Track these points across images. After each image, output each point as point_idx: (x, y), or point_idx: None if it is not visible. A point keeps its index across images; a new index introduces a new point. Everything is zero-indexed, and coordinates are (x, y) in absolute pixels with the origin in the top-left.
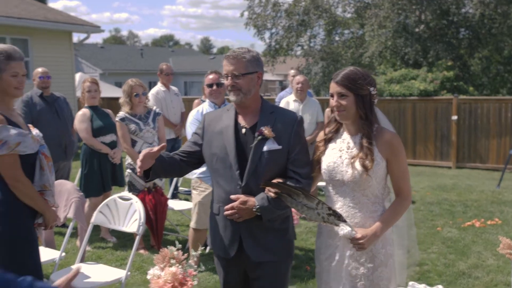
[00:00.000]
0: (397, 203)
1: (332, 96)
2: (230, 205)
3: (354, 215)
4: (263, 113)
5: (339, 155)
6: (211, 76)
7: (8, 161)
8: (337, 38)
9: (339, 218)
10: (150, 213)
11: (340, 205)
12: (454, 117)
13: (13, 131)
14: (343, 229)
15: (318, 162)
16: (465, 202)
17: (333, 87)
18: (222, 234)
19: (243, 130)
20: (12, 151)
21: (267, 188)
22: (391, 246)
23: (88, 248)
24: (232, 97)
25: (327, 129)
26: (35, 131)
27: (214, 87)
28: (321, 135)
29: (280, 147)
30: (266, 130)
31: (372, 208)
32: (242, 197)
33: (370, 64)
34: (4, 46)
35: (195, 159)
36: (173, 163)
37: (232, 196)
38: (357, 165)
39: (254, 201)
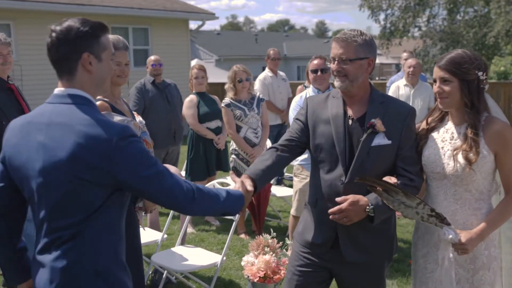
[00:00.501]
0: (506, 202)
1: (435, 81)
2: (337, 207)
3: (455, 211)
4: (372, 103)
5: (441, 146)
6: (315, 62)
7: None
8: (458, 18)
9: (442, 221)
10: (252, 198)
11: (440, 200)
12: None
13: (117, 117)
14: (447, 234)
15: (419, 153)
16: None
17: (436, 72)
18: (316, 229)
19: (350, 121)
20: None
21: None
22: (496, 248)
23: (192, 230)
24: (337, 82)
25: (430, 118)
26: (138, 118)
27: (319, 73)
28: (423, 124)
29: (390, 142)
30: (378, 123)
31: (475, 205)
32: (351, 197)
33: (496, 44)
34: (110, 36)
35: (298, 148)
36: (270, 168)
37: (338, 199)
38: (460, 157)
39: (366, 200)
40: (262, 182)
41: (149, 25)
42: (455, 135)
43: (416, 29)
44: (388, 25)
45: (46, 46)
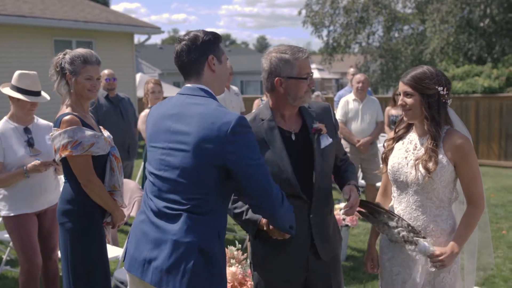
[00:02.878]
0: (469, 214)
1: (399, 94)
2: (350, 204)
3: (417, 217)
4: (304, 112)
5: (405, 156)
6: None
7: (81, 161)
8: (396, 35)
9: (418, 234)
10: None
11: (403, 206)
12: None
13: (88, 132)
14: (422, 246)
15: (386, 160)
16: None
17: (401, 86)
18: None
19: (293, 137)
20: (86, 152)
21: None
22: (456, 264)
23: None
24: (308, 99)
25: (398, 128)
26: (106, 133)
27: None
28: (391, 134)
29: (331, 140)
30: (321, 126)
31: (436, 212)
32: (354, 192)
33: (431, 61)
34: (82, 51)
35: None
36: None
37: (351, 202)
38: (421, 167)
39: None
40: None
41: (93, 38)
42: (418, 146)
43: (357, 45)
44: (331, 41)
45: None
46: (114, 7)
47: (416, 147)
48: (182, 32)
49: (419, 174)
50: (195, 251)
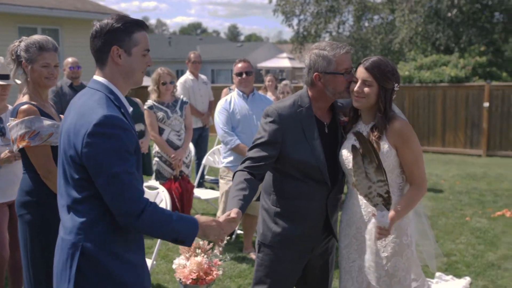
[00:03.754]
0: (411, 190)
1: (355, 81)
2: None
3: (366, 204)
4: (335, 105)
5: (352, 144)
6: (240, 65)
7: (40, 152)
8: (366, 24)
9: (387, 205)
10: (176, 201)
11: (355, 193)
12: (486, 104)
13: (46, 122)
14: (381, 215)
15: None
16: (495, 192)
17: (361, 72)
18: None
19: (326, 129)
20: (44, 142)
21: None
22: (408, 237)
23: None
24: (347, 94)
25: (348, 118)
26: None
27: (244, 75)
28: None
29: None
30: (346, 119)
31: None
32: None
33: (400, 50)
34: (38, 37)
35: (270, 166)
36: (252, 193)
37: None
38: None
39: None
40: (244, 209)
41: (59, 25)
42: (364, 134)
43: (328, 34)
44: (301, 30)
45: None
46: None
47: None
48: (152, 21)
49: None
50: (77, 252)
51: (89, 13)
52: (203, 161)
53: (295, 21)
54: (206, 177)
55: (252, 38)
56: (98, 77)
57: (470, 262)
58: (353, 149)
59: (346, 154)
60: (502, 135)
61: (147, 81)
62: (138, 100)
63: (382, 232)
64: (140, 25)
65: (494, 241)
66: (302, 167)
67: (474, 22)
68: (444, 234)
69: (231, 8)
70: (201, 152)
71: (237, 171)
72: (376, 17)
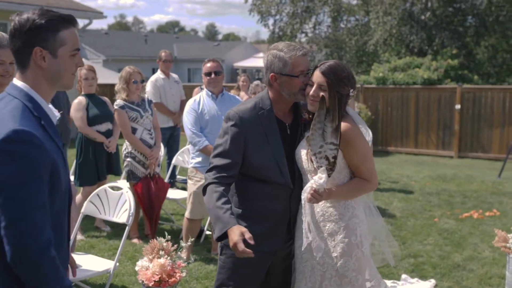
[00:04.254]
0: (357, 180)
1: (311, 84)
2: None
3: (323, 205)
4: (297, 105)
5: (304, 144)
6: (209, 64)
7: None
8: (342, 26)
9: (331, 169)
10: (148, 201)
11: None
12: (458, 106)
13: None
14: (320, 179)
15: None
16: (464, 193)
17: (317, 76)
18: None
19: (288, 130)
20: None
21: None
22: (358, 237)
23: (81, 237)
24: (301, 96)
25: (309, 121)
26: None
27: (213, 75)
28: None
29: None
30: (306, 115)
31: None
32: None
33: (375, 51)
34: None
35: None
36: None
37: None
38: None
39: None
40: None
41: None
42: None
43: (303, 35)
44: (277, 30)
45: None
46: None
47: None
48: (129, 18)
49: (311, 163)
50: None
51: (61, 9)
52: (173, 161)
53: (271, 21)
54: (178, 177)
55: (230, 38)
56: (17, 82)
57: (437, 263)
58: (321, 100)
59: (300, 154)
60: (473, 136)
61: (112, 79)
62: (106, 99)
63: (315, 195)
64: (67, 20)
65: (461, 242)
66: (264, 169)
67: (447, 25)
68: (412, 235)
69: (209, 7)
70: (172, 151)
71: (209, 183)
72: (352, 18)
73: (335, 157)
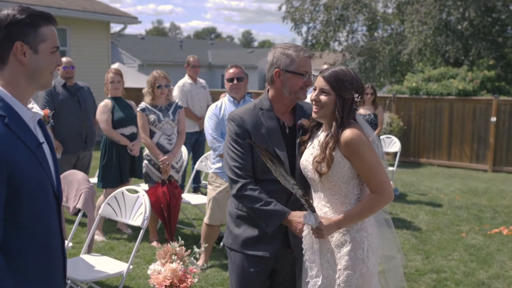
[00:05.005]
0: (371, 198)
1: (315, 89)
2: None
3: (326, 213)
4: (297, 109)
5: (311, 153)
6: (231, 70)
7: None
8: (376, 34)
9: (310, 207)
10: (162, 205)
11: (316, 202)
12: (493, 119)
13: None
14: (308, 218)
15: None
16: (495, 208)
17: (319, 81)
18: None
19: (287, 130)
20: None
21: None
22: (364, 251)
23: (102, 238)
24: (303, 96)
25: (310, 123)
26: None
27: (235, 81)
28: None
29: None
30: (304, 121)
31: (342, 208)
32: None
33: (409, 61)
34: None
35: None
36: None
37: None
38: (316, 166)
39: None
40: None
41: (68, 25)
42: (317, 142)
43: (337, 43)
44: (310, 37)
45: None
46: None
47: (319, 143)
48: (166, 24)
49: (316, 173)
50: None
51: (96, 14)
52: (196, 166)
53: (304, 29)
54: (203, 182)
55: (266, 45)
56: None
57: (460, 280)
58: (260, 152)
59: (304, 163)
60: (509, 150)
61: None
62: (132, 103)
63: (316, 231)
64: (47, 18)
65: (487, 259)
66: (266, 168)
67: (485, 35)
68: (437, 250)
69: (246, 14)
70: (197, 156)
71: (246, 186)
72: (387, 27)
73: (303, 195)
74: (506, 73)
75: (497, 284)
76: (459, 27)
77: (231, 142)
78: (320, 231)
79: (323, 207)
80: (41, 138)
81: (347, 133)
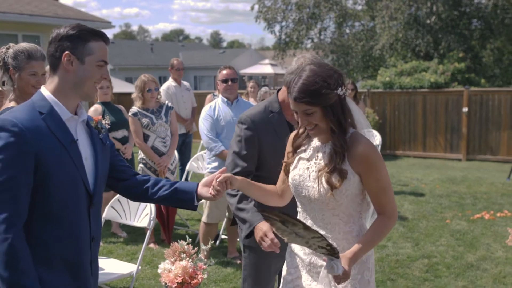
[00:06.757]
0: (381, 221)
1: (296, 112)
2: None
3: (325, 236)
4: None
5: (306, 166)
6: (225, 72)
7: None
8: (347, 31)
9: (334, 254)
10: (162, 207)
11: (310, 223)
12: (465, 109)
13: None
14: (335, 268)
15: (288, 173)
16: (474, 195)
17: (294, 105)
18: None
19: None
20: None
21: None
22: (369, 272)
23: None
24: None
25: (295, 135)
26: None
27: (229, 82)
28: (289, 144)
29: None
30: None
31: (345, 228)
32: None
33: (381, 56)
34: (26, 45)
35: None
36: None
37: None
38: (324, 181)
39: None
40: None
41: (40, 32)
42: (320, 155)
43: (309, 41)
44: (283, 36)
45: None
46: (63, 1)
47: (318, 156)
48: (134, 27)
49: (322, 188)
50: None
51: (69, 20)
52: (187, 167)
53: (277, 28)
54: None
55: (235, 45)
56: (43, 89)
57: (450, 263)
58: (267, 219)
59: (298, 179)
60: (481, 139)
61: (131, 88)
62: (121, 107)
63: (339, 278)
64: (98, 35)
65: (473, 243)
66: (279, 169)
67: (453, 28)
68: (425, 237)
69: (213, 15)
70: (184, 158)
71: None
72: (357, 23)
73: (329, 244)
74: (475, 64)
75: (485, 265)
76: (428, 21)
77: (238, 143)
78: (345, 276)
79: (321, 230)
80: (81, 137)
81: (362, 147)
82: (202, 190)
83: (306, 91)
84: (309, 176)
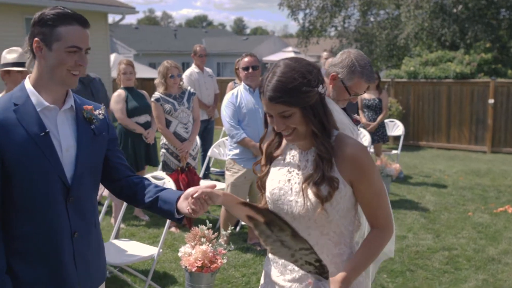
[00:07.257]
0: (374, 236)
1: (270, 115)
2: None
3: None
4: None
5: (287, 178)
6: (246, 59)
7: None
8: (372, 19)
9: (322, 274)
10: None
11: None
12: (491, 101)
13: None
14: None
15: (262, 186)
16: (498, 188)
17: (268, 107)
18: None
19: None
20: None
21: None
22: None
23: (122, 226)
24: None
25: (267, 144)
26: None
27: (250, 70)
28: (264, 150)
29: None
30: (358, 117)
31: (335, 251)
32: None
33: (406, 45)
34: None
35: None
36: None
37: None
38: (310, 194)
39: None
40: None
41: None
42: (303, 164)
43: (333, 28)
44: (307, 24)
45: None
46: None
47: (299, 165)
48: (158, 13)
49: (308, 203)
50: None
51: (95, 5)
52: (209, 153)
53: (300, 15)
54: (212, 169)
55: (258, 32)
56: (27, 81)
57: (471, 256)
58: (250, 219)
59: (278, 192)
60: (507, 131)
61: (154, 74)
62: (144, 92)
63: None
64: (70, 18)
65: (496, 236)
66: None
67: (480, 18)
68: (446, 229)
69: (237, 1)
70: (206, 144)
71: None
72: (381, 12)
73: (318, 260)
74: (502, 55)
75: (507, 259)
76: (455, 10)
77: None
78: None
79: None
80: (62, 127)
81: (350, 148)
82: (182, 204)
83: (283, 89)
84: (291, 189)
